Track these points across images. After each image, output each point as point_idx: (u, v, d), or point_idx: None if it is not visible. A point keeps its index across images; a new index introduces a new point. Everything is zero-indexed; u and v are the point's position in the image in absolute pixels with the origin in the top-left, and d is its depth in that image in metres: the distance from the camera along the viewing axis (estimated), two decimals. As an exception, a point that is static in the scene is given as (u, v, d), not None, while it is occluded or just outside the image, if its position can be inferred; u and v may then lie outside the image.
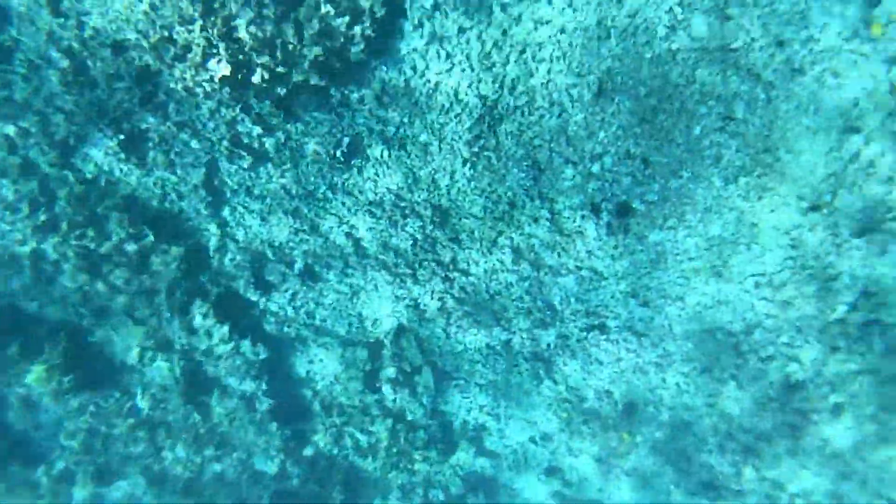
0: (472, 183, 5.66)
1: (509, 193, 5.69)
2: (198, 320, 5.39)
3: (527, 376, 6.36)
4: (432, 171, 5.64)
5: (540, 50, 5.40)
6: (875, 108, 5.26)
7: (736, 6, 5.23)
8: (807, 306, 5.98)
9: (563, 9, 5.35)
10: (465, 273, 5.90)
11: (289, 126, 5.56)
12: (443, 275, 5.85)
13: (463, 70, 5.42)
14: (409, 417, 6.35)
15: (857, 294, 5.91)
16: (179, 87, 5.49)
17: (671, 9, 5.25)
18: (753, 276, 5.92)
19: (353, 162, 5.64)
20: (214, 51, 5.26)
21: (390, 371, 6.10)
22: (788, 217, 5.66)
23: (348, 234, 5.83)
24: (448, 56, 5.41)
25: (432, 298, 5.90)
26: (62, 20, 5.61)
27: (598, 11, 5.35)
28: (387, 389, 6.24)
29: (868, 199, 5.51)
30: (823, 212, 5.63)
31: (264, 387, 6.02)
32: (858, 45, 5.20)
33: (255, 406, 6.01)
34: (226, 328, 5.62)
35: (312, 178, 5.69)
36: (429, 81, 5.43)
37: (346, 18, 5.20)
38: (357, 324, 6.21)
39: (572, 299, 6.01)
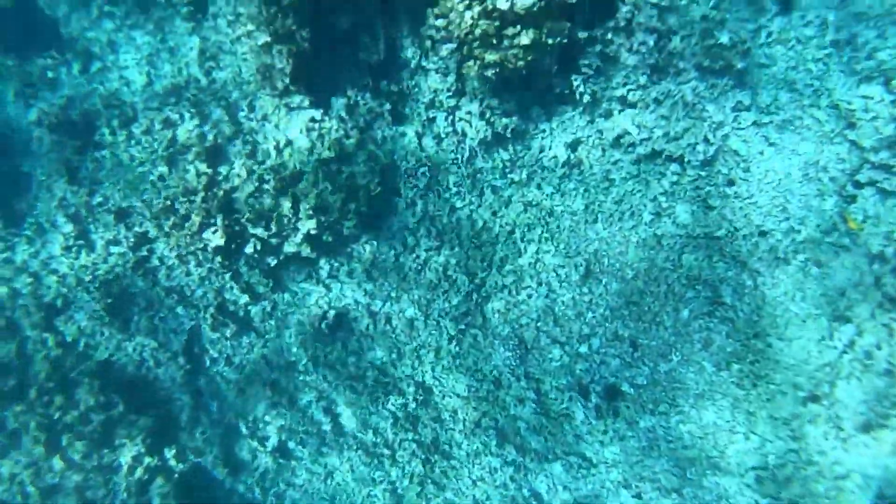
0: (457, 360, 5.52)
1: (494, 372, 5.53)
2: (155, 502, 4.97)
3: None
4: (417, 347, 5.53)
5: (528, 231, 5.54)
6: (861, 301, 5.26)
7: (717, 198, 5.44)
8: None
9: (552, 193, 5.58)
10: (447, 456, 5.55)
11: (276, 296, 5.55)
12: (423, 457, 5.50)
13: (452, 248, 5.52)
14: None
15: (873, 497, 5.50)
16: (173, 254, 5.57)
17: (655, 197, 5.47)
18: (755, 469, 5.55)
19: (337, 335, 5.55)
20: (212, 221, 5.40)
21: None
22: (783, 407, 5.43)
23: (327, 410, 5.59)
24: (439, 234, 5.54)
25: (411, 482, 5.50)
26: (76, 188, 5.85)
27: (585, 197, 5.58)
28: None
29: (869, 392, 5.32)
30: (823, 403, 5.41)
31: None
32: (838, 239, 5.33)
33: None
34: (184, 511, 5.17)
35: (294, 350, 5.56)
36: (418, 258, 5.51)
37: (342, 195, 5.40)
38: (329, 507, 5.73)
39: (560, 487, 5.59)
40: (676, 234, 5.46)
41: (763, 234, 5.41)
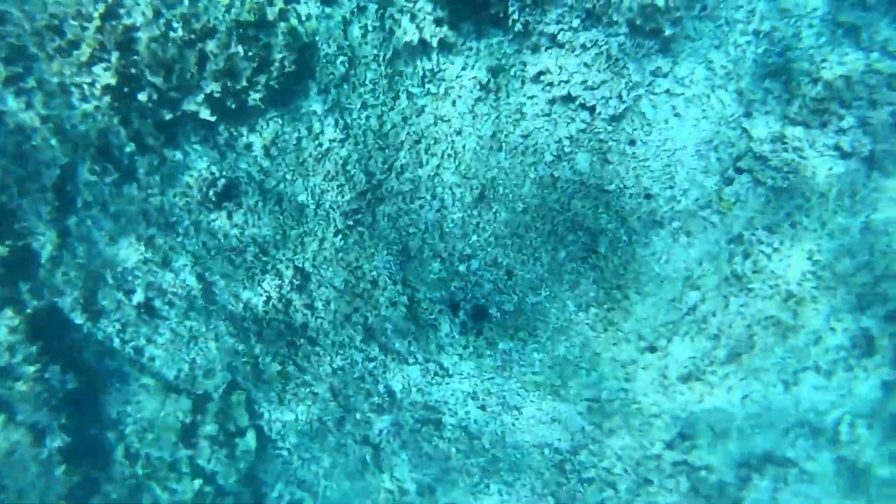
0: (340, 254, 5.62)
1: (374, 273, 5.70)
2: (2, 333, 4.81)
3: (353, 459, 6.18)
4: (303, 234, 5.56)
5: (434, 144, 5.59)
6: (713, 273, 5.83)
7: (616, 154, 5.72)
8: (629, 437, 6.29)
9: (465, 113, 5.62)
10: (313, 342, 5.75)
11: (166, 151, 5.32)
12: (289, 339, 5.66)
13: (356, 144, 5.48)
14: (220, 481, 5.92)
15: (674, 434, 6.32)
16: (55, 80, 5.14)
17: (560, 141, 5.65)
18: (588, 400, 6.19)
19: (224, 204, 5.45)
20: (105, 56, 5.01)
21: (211, 428, 5.72)
22: (627, 353, 6.03)
23: (200, 277, 5.55)
24: (346, 127, 5.47)
25: (273, 360, 5.68)
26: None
27: (495, 124, 5.66)
28: (203, 447, 5.82)
29: (697, 350, 6.00)
30: (658, 354, 6.05)
31: (62, 421, 5.41)
32: (709, 215, 5.82)
33: (43, 442, 5.37)
34: (34, 348, 5.06)
35: (177, 211, 5.42)
36: (321, 146, 5.44)
37: (254, 64, 5.15)
38: (188, 371, 5.82)
39: (414, 389, 5.99)
40: (572, 180, 5.72)
41: (648, 196, 5.78)
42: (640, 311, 5.95)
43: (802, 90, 5.47)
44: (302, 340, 5.74)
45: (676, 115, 5.67)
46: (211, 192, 5.28)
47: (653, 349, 6.05)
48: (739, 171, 5.78)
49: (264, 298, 5.56)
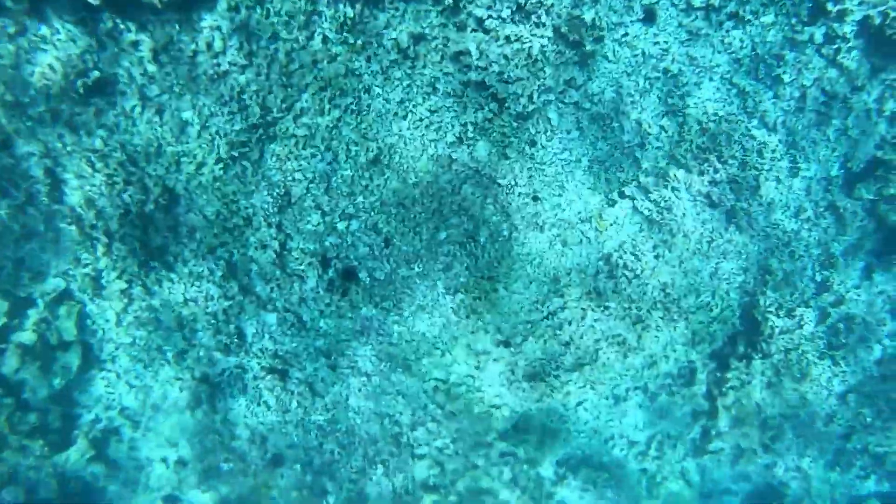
0: (217, 183, 5.33)
1: (249, 210, 5.47)
2: None
3: (187, 394, 5.94)
4: (180, 153, 5.21)
5: (340, 96, 5.42)
6: (578, 285, 6.15)
7: (516, 151, 5.84)
8: (467, 422, 6.53)
9: (377, 73, 5.49)
10: (169, 268, 5.44)
11: (28, 21, 4.71)
12: (143, 259, 5.30)
13: (258, 75, 5.20)
14: (26, 395, 5.46)
15: (509, 427, 6.64)
16: None
17: (465, 124, 5.68)
18: (436, 380, 6.34)
19: (93, 100, 4.96)
20: None
21: (28, 336, 5.24)
22: (483, 343, 6.23)
23: (48, 171, 5.03)
24: (250, 53, 5.17)
25: (119, 277, 5.30)
26: None
27: (406, 91, 5.58)
28: (11, 355, 5.31)
29: (547, 354, 6.32)
30: (511, 349, 6.30)
31: None
32: (587, 230, 6.11)
33: None
34: None
35: (34, 93, 4.85)
36: (218, 66, 5.10)
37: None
38: (10, 270, 5.27)
39: (266, 336, 5.85)
40: (468, 165, 5.77)
41: (536, 199, 5.97)
42: (504, 305, 6.15)
43: (691, 136, 5.86)
44: (156, 263, 5.40)
45: (579, 128, 5.88)
46: (79, 83, 4.78)
47: (507, 344, 6.29)
48: (623, 195, 6.12)
49: (122, 210, 5.15)
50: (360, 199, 5.62)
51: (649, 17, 5.82)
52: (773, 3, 5.71)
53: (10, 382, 5.44)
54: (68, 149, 4.90)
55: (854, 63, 5.80)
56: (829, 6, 5.56)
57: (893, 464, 6.85)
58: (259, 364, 5.92)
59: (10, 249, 5.23)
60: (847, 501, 7.18)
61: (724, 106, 5.86)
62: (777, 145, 5.98)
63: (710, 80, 5.83)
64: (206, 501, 6.50)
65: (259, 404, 6.15)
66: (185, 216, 5.42)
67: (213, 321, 5.72)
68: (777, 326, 6.30)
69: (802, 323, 6.35)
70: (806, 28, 5.75)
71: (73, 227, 5.16)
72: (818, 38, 5.76)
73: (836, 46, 5.73)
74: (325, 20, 5.17)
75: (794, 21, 5.76)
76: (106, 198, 5.07)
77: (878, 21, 5.50)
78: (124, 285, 5.33)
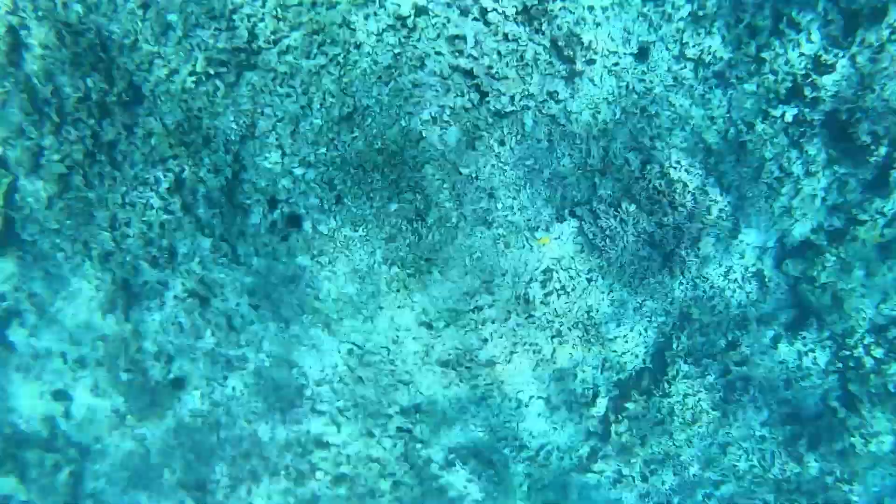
0: (185, 96, 5.23)
1: (210, 131, 5.41)
2: None
3: (103, 296, 5.85)
4: (154, 53, 5.09)
5: (330, 44, 5.41)
6: (510, 287, 6.33)
7: (484, 145, 5.95)
8: (372, 390, 6.65)
9: (372, 33, 5.50)
10: (115, 164, 5.33)
11: None
12: (89, 149, 5.19)
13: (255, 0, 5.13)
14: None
15: (411, 405, 6.80)
16: None
17: (444, 107, 5.76)
18: (352, 344, 6.44)
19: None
20: None
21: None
22: (405, 319, 6.36)
23: (11, 30, 4.85)
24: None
25: (60, 161, 5.17)
26: None
27: (395, 59, 5.60)
28: None
29: (464, 345, 6.49)
30: (432, 332, 6.44)
31: None
32: (531, 237, 6.29)
33: None
34: None
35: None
36: (216, -20, 5.01)
37: None
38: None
39: (197, 259, 5.82)
40: (435, 146, 5.85)
41: (491, 196, 6.11)
42: (434, 289, 6.29)
43: (651, 176, 6.10)
44: (102, 157, 5.29)
45: (549, 140, 6.04)
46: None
47: (429, 326, 6.43)
48: (573, 214, 6.32)
49: (81, 95, 5.02)
50: (323, 150, 5.64)
51: (642, 55, 6.01)
52: (759, 75, 5.97)
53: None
54: (39, 13, 4.71)
55: (814, 149, 6.14)
56: (807, 91, 5.86)
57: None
58: (183, 285, 5.89)
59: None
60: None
61: (687, 157, 6.12)
62: (726, 206, 6.29)
63: (682, 129, 6.07)
64: (95, 405, 6.45)
65: (173, 324, 6.12)
66: (144, 118, 5.33)
67: (146, 231, 5.65)
68: (682, 371, 6.65)
69: (706, 373, 6.73)
70: (780, 105, 6.05)
71: (24, 96, 4.99)
72: (788, 117, 6.07)
73: (802, 129, 6.05)
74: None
75: (772, 96, 6.05)
76: (68, 76, 4.92)
77: (843, 117, 5.83)
78: (64, 170, 5.20)
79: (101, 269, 5.74)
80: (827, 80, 5.77)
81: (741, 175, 6.26)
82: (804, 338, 6.59)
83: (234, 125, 5.45)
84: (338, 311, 6.21)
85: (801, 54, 5.80)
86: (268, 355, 6.41)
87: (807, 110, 5.98)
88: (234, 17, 5.16)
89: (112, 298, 5.98)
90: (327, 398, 6.66)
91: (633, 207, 6.22)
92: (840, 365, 6.61)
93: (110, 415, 6.57)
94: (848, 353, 6.51)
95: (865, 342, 6.41)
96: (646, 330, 6.71)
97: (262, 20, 5.21)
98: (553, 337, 6.54)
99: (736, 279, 6.57)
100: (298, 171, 5.70)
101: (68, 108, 5.16)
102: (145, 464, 6.82)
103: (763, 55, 5.85)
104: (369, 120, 5.64)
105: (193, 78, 5.24)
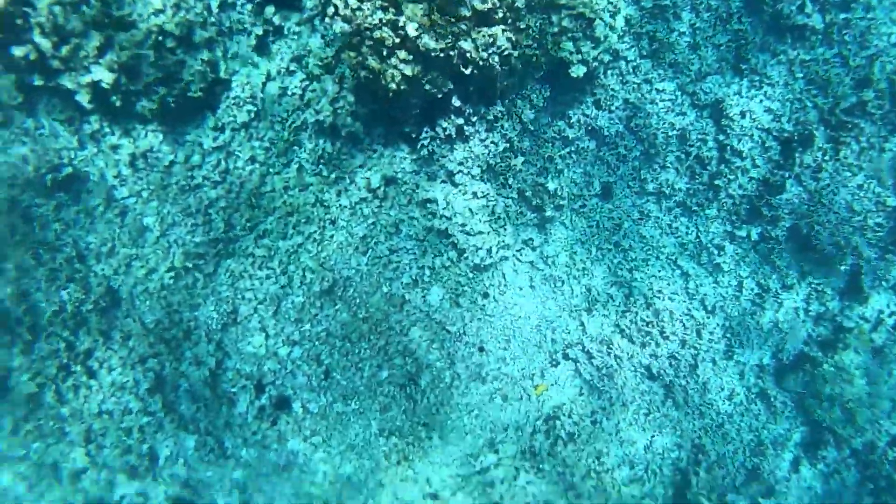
0: (164, 293, 5.17)
1: (191, 323, 5.28)
2: None
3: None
4: (133, 256, 5.08)
5: (305, 223, 5.51)
6: (514, 442, 6.03)
7: (468, 300, 5.95)
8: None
9: (346, 207, 5.64)
10: (91, 373, 5.09)
11: (17, 115, 4.74)
12: (65, 361, 4.96)
13: (229, 192, 5.27)
14: None
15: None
16: None
17: (423, 268, 5.81)
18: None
19: (58, 194, 4.89)
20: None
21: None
22: (409, 492, 5.92)
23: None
24: (226, 171, 5.27)
25: (31, 379, 4.90)
26: None
27: (370, 228, 5.72)
28: None
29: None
30: (438, 501, 5.99)
31: None
32: (529, 387, 6.11)
33: None
34: None
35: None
36: (192, 178, 5.15)
37: (159, 74, 4.92)
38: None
39: (181, 461, 5.40)
40: (419, 308, 5.82)
41: (482, 350, 6.00)
42: (436, 455, 5.94)
43: (637, 308, 6.13)
44: (78, 368, 5.05)
45: (531, 286, 6.09)
46: (48, 177, 4.75)
47: (435, 496, 5.99)
48: (566, 357, 6.22)
49: (56, 308, 4.90)
50: (308, 326, 5.53)
51: (606, 194, 6.30)
52: (717, 200, 6.27)
53: None
54: (16, 238, 4.73)
55: (784, 262, 6.30)
56: (764, 211, 6.14)
57: None
58: (165, 492, 5.41)
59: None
60: None
61: (668, 284, 6.20)
62: (715, 328, 6.29)
63: (657, 258, 6.21)
64: None
65: (155, 534, 5.54)
66: (122, 321, 5.19)
67: (124, 438, 5.28)
68: (709, 511, 6.23)
69: (734, 510, 6.31)
70: (744, 225, 6.29)
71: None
72: (754, 235, 6.29)
73: (769, 246, 6.25)
74: (305, 151, 5.38)
75: (734, 218, 6.31)
76: (42, 293, 4.83)
77: (804, 231, 6.08)
78: (35, 388, 4.93)
79: (73, 490, 5.25)
80: (780, 199, 6.08)
81: (723, 296, 6.34)
82: (825, 458, 6.33)
83: (214, 314, 5.35)
84: (337, 495, 5.75)
85: (751, 178, 6.16)
86: (263, 558, 5.79)
87: (769, 227, 6.23)
88: (210, 210, 5.26)
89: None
90: None
91: (625, 342, 6.17)
92: (871, 486, 6.31)
93: None
94: (875, 470, 6.24)
95: (890, 457, 6.18)
96: (660, 469, 6.37)
97: (237, 210, 5.32)
98: (567, 490, 6.13)
99: (741, 402, 6.41)
100: (283, 351, 5.54)
101: (42, 324, 5.02)
102: None
103: (717, 182, 6.18)
104: (351, 290, 5.62)
105: (172, 274, 5.21)
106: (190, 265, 5.23)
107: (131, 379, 5.14)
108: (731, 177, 6.18)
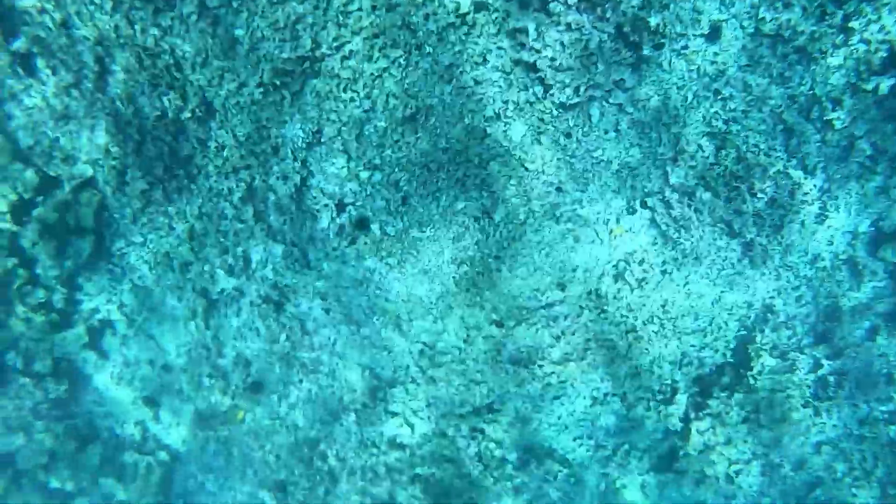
0: (254, 107, 5.38)
1: (278, 140, 5.54)
2: None
3: (184, 305, 6.09)
4: (225, 68, 5.25)
5: (391, 47, 5.43)
6: (581, 283, 6.19)
7: (549, 138, 5.83)
8: (445, 390, 6.64)
9: (432, 32, 5.48)
10: (191, 177, 5.54)
11: None
12: (168, 164, 5.40)
13: (316, 8, 5.21)
14: (38, 271, 5.60)
15: (484, 405, 6.76)
16: None
17: (507, 102, 5.67)
18: (423, 343, 6.46)
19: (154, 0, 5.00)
20: None
21: (50, 214, 5.35)
22: (475, 318, 6.32)
23: (99, 59, 5.11)
24: None
25: (142, 177, 5.41)
26: None
27: (455, 57, 5.57)
28: (30, 228, 5.42)
29: (536, 342, 6.39)
30: (503, 330, 6.38)
31: None
32: (602, 231, 6.12)
33: None
34: None
35: (102, -18, 4.91)
36: (279, -8, 5.11)
37: None
38: (47, 146, 5.41)
39: (270, 266, 5.98)
40: (499, 143, 5.77)
41: (559, 189, 5.97)
42: (504, 286, 6.22)
43: (727, 162, 5.82)
44: (181, 171, 5.51)
45: (616, 130, 5.86)
46: (145, -17, 4.84)
47: (500, 325, 6.37)
48: (645, 205, 6.11)
49: (159, 112, 5.25)
50: (388, 152, 5.67)
51: (714, 35, 5.73)
52: (846, 46, 5.58)
53: (27, 255, 5.63)
54: (121, 41, 4.96)
55: (910, 126, 5.68)
56: (899, 62, 5.43)
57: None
58: (257, 291, 6.06)
59: (49, 127, 5.36)
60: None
61: (766, 139, 5.79)
62: (811, 189, 5.92)
63: (760, 110, 5.74)
64: (181, 409, 6.73)
65: (250, 329, 6.32)
66: (216, 132, 5.51)
67: (222, 240, 5.85)
68: (768, 366, 6.31)
69: (794, 368, 6.35)
70: (874, 77, 5.62)
71: (110, 118, 5.27)
72: (884, 88, 5.63)
73: None
74: (396, -33, 5.15)
75: (862, 69, 5.63)
76: (146, 97, 5.16)
77: (942, 86, 5.37)
78: (146, 187, 5.45)
79: (183, 278, 5.98)
80: (926, 46, 5.32)
81: (828, 156, 5.87)
82: (907, 328, 6.13)
83: (300, 133, 5.56)
84: (408, 313, 6.24)
85: None
86: (340, 358, 6.51)
87: (902, 83, 5.54)
88: (297, 27, 5.25)
89: (193, 307, 6.22)
90: (400, 398, 6.70)
91: (708, 196, 5.95)
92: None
93: (195, 418, 6.84)
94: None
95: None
96: (725, 323, 6.41)
97: (324, 28, 5.28)
98: (628, 332, 6.34)
99: (824, 267, 6.17)
100: (364, 175, 5.76)
101: (147, 127, 5.40)
102: (229, 465, 7.08)
103: (851, 24, 5.45)
104: (433, 119, 5.63)
105: (261, 89, 5.38)
106: (278, 82, 5.36)
107: (226, 187, 5.57)
108: (874, 17, 5.40)
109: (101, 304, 6.23)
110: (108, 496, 6.88)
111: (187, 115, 5.32)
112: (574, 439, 6.91)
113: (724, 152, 5.85)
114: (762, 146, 5.79)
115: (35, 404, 6.20)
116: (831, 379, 6.45)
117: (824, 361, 6.33)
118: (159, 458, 6.94)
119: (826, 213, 6.01)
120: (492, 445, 6.89)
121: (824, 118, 5.77)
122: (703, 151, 5.88)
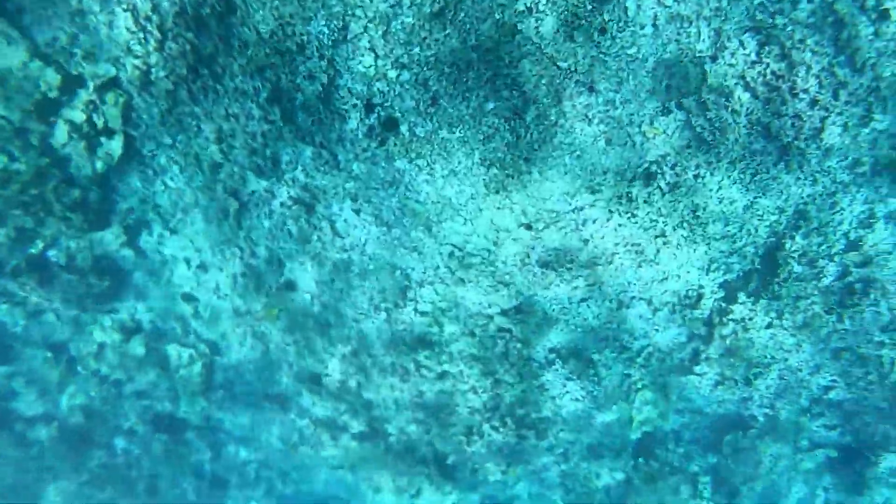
0: (276, 2, 5.20)
1: (304, 37, 5.39)
2: None
3: (215, 206, 6.18)
4: None
5: (419, -66, 5.14)
6: (611, 186, 6.13)
7: (583, 34, 5.58)
8: (474, 292, 6.80)
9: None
10: (216, 77, 5.46)
11: None
12: (192, 63, 5.33)
13: None
14: (72, 170, 5.68)
15: (513, 306, 6.92)
16: None
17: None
18: (453, 245, 6.55)
19: None
20: None
21: (78, 115, 5.36)
22: (504, 220, 6.35)
23: None
24: None
25: (168, 77, 5.34)
26: None
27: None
28: (61, 128, 5.45)
29: (564, 244, 6.44)
30: (532, 233, 6.42)
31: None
32: (635, 133, 5.97)
33: None
34: None
35: None
36: None
37: None
38: (65, 43, 5.34)
39: (299, 167, 6.00)
40: (531, 40, 5.55)
41: (592, 89, 5.78)
42: (534, 189, 6.19)
43: (769, 59, 5.54)
44: (205, 71, 5.44)
45: (654, 25, 5.57)
46: None
47: (529, 227, 6.40)
48: (680, 106, 5.91)
49: (178, 9, 5.11)
50: (417, 50, 5.50)
51: None
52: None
53: (59, 155, 5.71)
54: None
55: (972, 17, 5.29)
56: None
57: (861, 422, 7.12)
58: (288, 192, 6.12)
59: (66, 22, 5.26)
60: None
61: (814, 33, 5.46)
62: (857, 88, 5.64)
63: (809, 1, 5.39)
64: (220, 306, 7.03)
65: (281, 230, 6.44)
66: (238, 28, 5.37)
67: (250, 141, 5.85)
68: (795, 273, 6.31)
69: (821, 275, 6.34)
70: (935, -35, 5.20)
71: (129, 14, 5.15)
72: (944, -21, 5.22)
73: (959, -7, 5.21)
74: None
75: (925, -45, 5.20)
76: (166, -8, 5.01)
77: None
78: (171, 86, 5.40)
79: (213, 179, 6.05)
80: None
81: (879, 52, 5.54)
82: (944, 235, 6.01)
83: (326, 29, 5.39)
84: (438, 214, 6.28)
85: None
86: (371, 258, 6.65)
87: (969, -31, 5.11)
88: (321, -88, 4.97)
89: (224, 207, 6.33)
90: (429, 298, 6.89)
91: (747, 96, 5.72)
92: None
93: (232, 314, 7.15)
94: None
95: None
96: (756, 229, 6.34)
97: (348, -87, 4.99)
98: (657, 237, 6.34)
99: (864, 172, 5.99)
100: (392, 74, 5.62)
101: (168, 24, 5.28)
102: (266, 358, 7.46)
103: None
104: (462, 15, 5.40)
105: (284, -18, 5.18)
106: (303, -26, 5.14)
107: (251, 87, 5.50)
108: None
109: (136, 204, 6.37)
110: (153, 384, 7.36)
111: (206, 10, 5.17)
112: (599, 341, 7.09)
113: (766, 48, 5.56)
114: (809, 41, 5.48)
115: (79, 298, 6.51)
116: (858, 287, 6.44)
117: (853, 269, 6.29)
118: (200, 350, 7.33)
119: (871, 115, 5.76)
120: (518, 346, 7.13)
121: (880, 7, 5.40)
122: (745, 48, 5.60)
